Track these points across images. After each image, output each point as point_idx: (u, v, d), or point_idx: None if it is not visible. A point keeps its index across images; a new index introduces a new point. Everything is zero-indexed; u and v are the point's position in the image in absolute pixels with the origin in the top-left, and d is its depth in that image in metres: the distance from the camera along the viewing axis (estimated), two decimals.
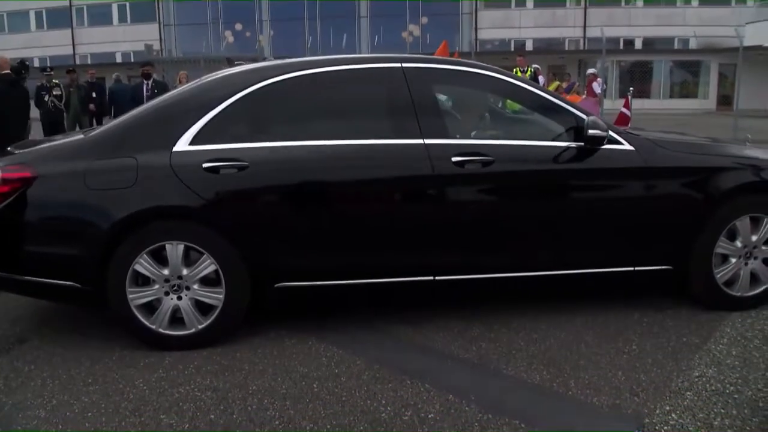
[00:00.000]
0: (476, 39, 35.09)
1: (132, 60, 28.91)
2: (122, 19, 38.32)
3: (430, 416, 2.52)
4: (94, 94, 12.00)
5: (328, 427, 2.46)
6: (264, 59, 13.56)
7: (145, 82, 10.15)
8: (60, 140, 3.51)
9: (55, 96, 10.98)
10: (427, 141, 3.23)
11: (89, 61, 33.48)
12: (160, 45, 33.83)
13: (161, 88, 9.93)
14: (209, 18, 37.13)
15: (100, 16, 37.90)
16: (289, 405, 2.63)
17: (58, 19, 38.50)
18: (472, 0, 35.87)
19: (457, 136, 3.47)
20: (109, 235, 3.01)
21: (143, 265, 3.04)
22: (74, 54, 37.79)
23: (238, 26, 36.84)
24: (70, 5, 38.56)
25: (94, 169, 3.06)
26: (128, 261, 3.03)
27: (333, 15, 36.05)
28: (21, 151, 3.38)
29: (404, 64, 3.39)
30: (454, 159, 3.21)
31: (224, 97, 3.23)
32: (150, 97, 9.34)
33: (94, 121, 11.94)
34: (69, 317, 3.67)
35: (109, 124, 3.46)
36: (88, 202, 3.05)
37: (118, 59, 35.84)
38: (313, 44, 35.31)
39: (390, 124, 3.37)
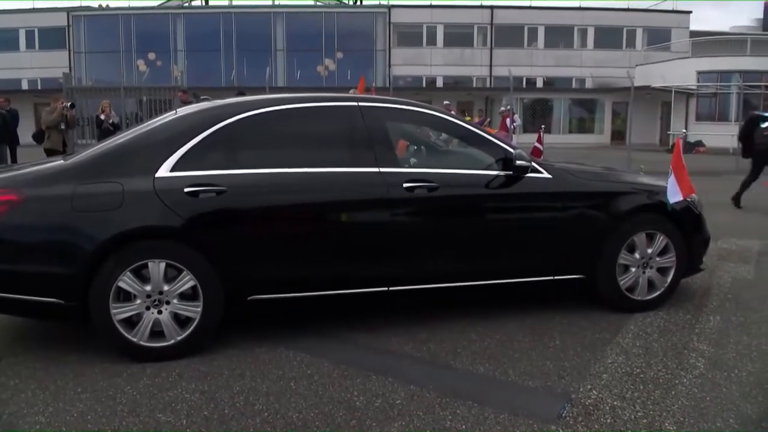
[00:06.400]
0: (390, 75, 36.32)
1: (39, 87, 27.83)
2: (30, 45, 36.86)
3: (397, 402, 2.96)
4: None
5: (312, 415, 2.84)
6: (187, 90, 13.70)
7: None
8: (41, 165, 3.72)
9: None
10: (382, 169, 3.72)
11: None
12: (70, 72, 32.74)
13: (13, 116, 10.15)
14: (122, 46, 36.36)
15: (5, 42, 36.10)
16: (273, 400, 2.98)
17: None
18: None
19: (406, 165, 3.99)
20: (94, 253, 3.26)
21: (126, 281, 3.31)
22: None
23: (151, 55, 36.27)
24: None
25: (80, 192, 3.32)
26: (112, 278, 3.29)
27: (249, 48, 36.22)
28: (4, 175, 3.57)
29: (360, 103, 3.89)
30: (405, 185, 3.71)
31: (202, 129, 3.58)
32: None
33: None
34: (39, 336, 3.84)
35: (91, 150, 3.71)
36: (75, 224, 3.30)
37: (25, 86, 34.33)
38: (229, 76, 35.25)
39: (349, 154, 3.83)
